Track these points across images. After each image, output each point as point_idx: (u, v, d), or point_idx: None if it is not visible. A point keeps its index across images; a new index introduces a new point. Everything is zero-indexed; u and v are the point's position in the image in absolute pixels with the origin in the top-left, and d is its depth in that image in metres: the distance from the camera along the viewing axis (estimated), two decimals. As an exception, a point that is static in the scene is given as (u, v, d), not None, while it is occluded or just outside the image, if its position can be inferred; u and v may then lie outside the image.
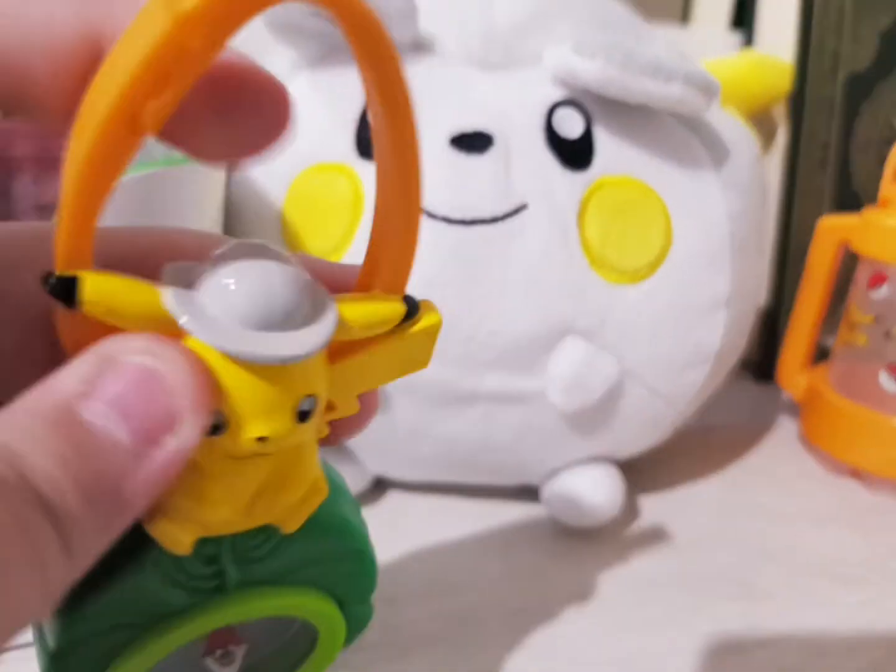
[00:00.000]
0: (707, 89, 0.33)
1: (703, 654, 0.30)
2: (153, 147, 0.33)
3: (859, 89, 0.52)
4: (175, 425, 0.13)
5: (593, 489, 0.37)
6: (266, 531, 0.16)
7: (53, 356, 0.14)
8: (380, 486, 0.40)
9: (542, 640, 0.31)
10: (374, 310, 0.16)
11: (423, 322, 0.17)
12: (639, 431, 0.37)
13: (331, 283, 0.15)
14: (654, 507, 0.40)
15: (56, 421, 0.12)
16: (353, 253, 0.33)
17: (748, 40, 0.55)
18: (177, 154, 0.31)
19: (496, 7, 0.35)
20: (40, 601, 0.12)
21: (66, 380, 0.13)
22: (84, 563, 0.13)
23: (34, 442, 0.12)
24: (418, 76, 0.34)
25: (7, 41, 0.13)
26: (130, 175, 0.28)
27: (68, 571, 0.12)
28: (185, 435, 0.13)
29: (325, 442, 0.17)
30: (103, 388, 0.13)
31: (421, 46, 0.35)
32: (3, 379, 0.16)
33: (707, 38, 0.56)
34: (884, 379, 0.43)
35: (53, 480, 0.12)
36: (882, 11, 0.51)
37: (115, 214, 0.27)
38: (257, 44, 0.36)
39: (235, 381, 0.13)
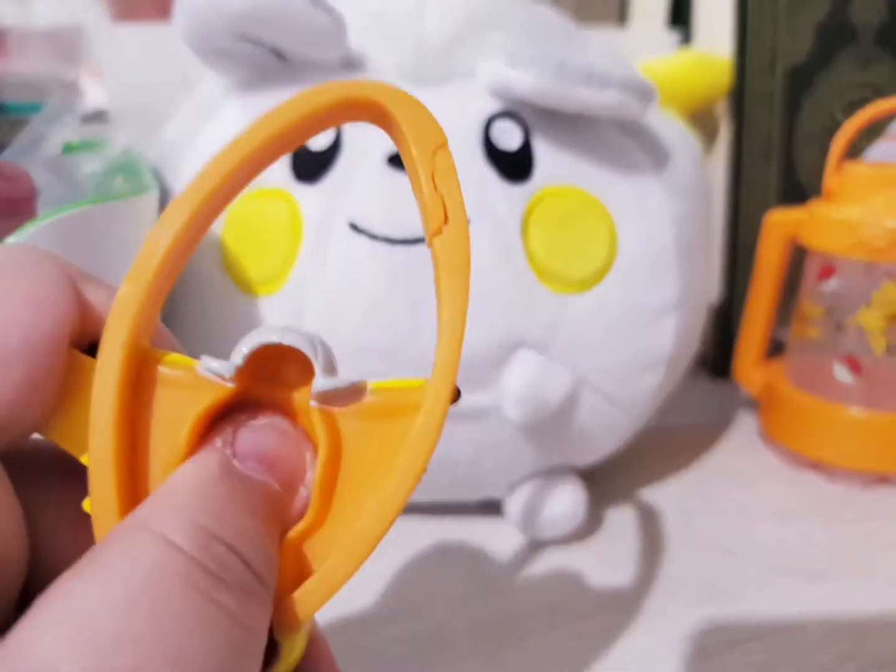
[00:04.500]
0: (643, 94, 0.33)
1: (673, 660, 0.30)
2: (80, 188, 0.32)
3: (799, 82, 0.52)
4: (304, 476, 0.15)
5: (555, 500, 0.37)
6: None
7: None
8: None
9: (511, 654, 0.31)
10: None
11: None
12: (597, 439, 0.37)
13: None
14: (618, 514, 0.40)
15: (223, 475, 0.14)
16: (294, 278, 0.32)
17: (686, 38, 0.55)
18: (107, 190, 0.30)
19: (426, 21, 0.34)
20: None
21: (212, 448, 0.15)
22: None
23: (222, 505, 0.13)
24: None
25: None
26: (63, 214, 0.27)
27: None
28: (308, 485, 0.15)
29: None
30: (244, 447, 0.15)
31: (352, 64, 0.35)
32: None
33: (645, 39, 0.56)
34: (838, 370, 0.43)
35: (251, 534, 0.13)
36: (816, 4, 0.52)
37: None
38: (188, 72, 0.36)
39: None
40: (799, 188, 0.54)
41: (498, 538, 0.38)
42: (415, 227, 0.31)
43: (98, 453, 0.14)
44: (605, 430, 0.37)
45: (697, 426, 0.50)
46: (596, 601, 0.34)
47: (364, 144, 0.33)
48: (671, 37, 0.56)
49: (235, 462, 0.14)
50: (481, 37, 0.35)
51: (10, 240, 0.28)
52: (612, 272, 0.34)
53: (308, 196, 0.33)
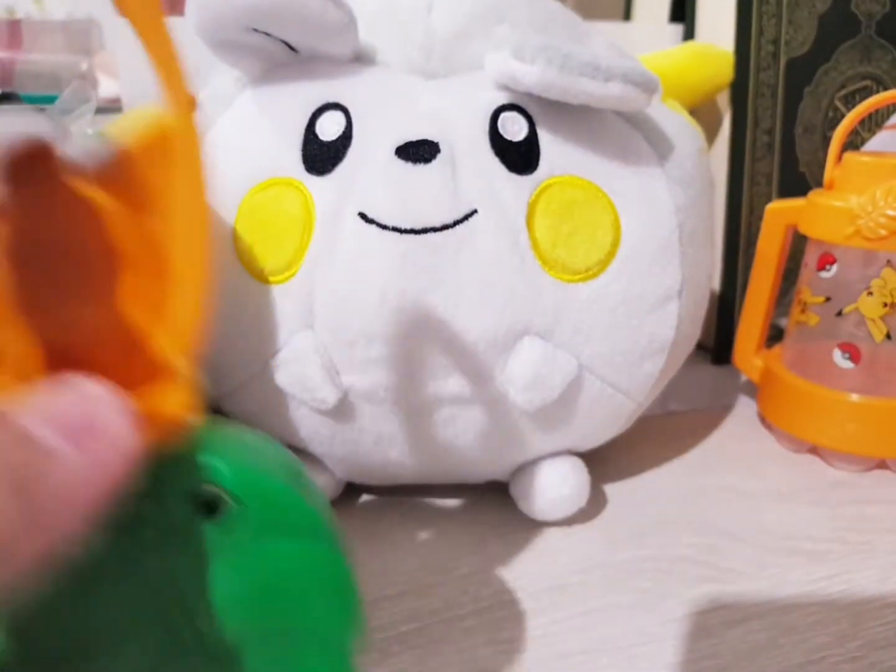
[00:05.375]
0: (646, 86, 0.33)
1: (674, 639, 0.31)
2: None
3: (800, 74, 0.53)
4: (104, 437, 0.14)
5: (559, 482, 0.37)
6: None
7: None
8: (352, 492, 0.40)
9: (517, 633, 0.31)
10: None
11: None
12: (600, 425, 0.38)
13: None
14: (620, 495, 0.41)
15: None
16: (305, 267, 0.33)
17: (689, 34, 0.55)
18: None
19: (434, 15, 0.35)
20: None
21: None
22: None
23: None
24: (361, 88, 0.34)
25: None
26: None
27: None
28: (115, 444, 0.14)
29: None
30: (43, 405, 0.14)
31: (362, 58, 0.35)
32: None
33: (648, 32, 0.56)
34: (837, 356, 0.44)
35: None
36: (819, -5, 0.52)
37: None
38: (201, 63, 0.37)
39: None
40: (800, 179, 0.54)
41: (503, 519, 0.39)
42: (423, 216, 0.32)
43: None
44: (608, 414, 0.37)
45: (699, 411, 0.50)
46: (599, 581, 0.35)
47: (373, 135, 0.33)
48: (674, 32, 0.56)
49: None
50: (488, 30, 0.35)
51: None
52: (616, 261, 0.34)
53: (320, 187, 0.33)
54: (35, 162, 0.15)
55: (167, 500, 0.16)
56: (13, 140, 0.15)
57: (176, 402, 0.16)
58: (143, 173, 0.16)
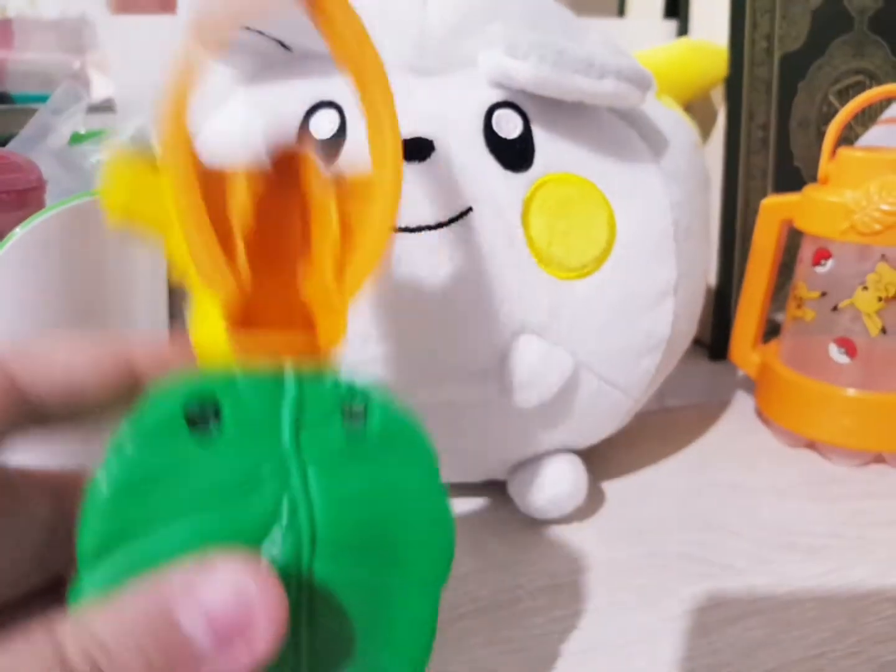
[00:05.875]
0: (640, 82, 0.33)
1: (673, 637, 0.31)
2: (87, 179, 0.33)
3: (795, 68, 0.53)
4: (251, 642, 0.15)
5: (557, 480, 0.37)
6: None
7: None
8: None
9: (516, 632, 0.31)
10: None
11: None
12: (597, 421, 0.38)
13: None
14: (618, 493, 0.41)
15: (153, 619, 0.14)
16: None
17: (683, 29, 0.55)
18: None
19: (428, 12, 0.35)
20: None
21: (171, 579, 0.15)
22: None
23: (128, 638, 0.14)
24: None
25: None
26: (70, 204, 0.27)
27: None
28: (258, 649, 0.15)
29: None
30: (201, 595, 0.15)
31: (356, 56, 0.35)
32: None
33: (642, 29, 0.56)
34: (833, 351, 0.44)
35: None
36: (813, -10, 0.52)
37: (54, 246, 0.27)
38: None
39: None
40: (795, 174, 0.54)
41: (501, 518, 0.39)
42: (416, 215, 0.32)
43: (192, 220, 0.19)
44: (605, 411, 0.37)
45: (696, 407, 0.50)
46: (597, 579, 0.34)
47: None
48: (668, 27, 0.56)
49: (178, 611, 0.15)
50: (482, 27, 0.35)
51: (18, 230, 0.28)
52: (611, 258, 0.34)
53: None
54: (296, 158, 0.22)
55: (324, 410, 0.19)
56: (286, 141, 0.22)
57: (336, 333, 0.20)
58: (357, 187, 0.22)
